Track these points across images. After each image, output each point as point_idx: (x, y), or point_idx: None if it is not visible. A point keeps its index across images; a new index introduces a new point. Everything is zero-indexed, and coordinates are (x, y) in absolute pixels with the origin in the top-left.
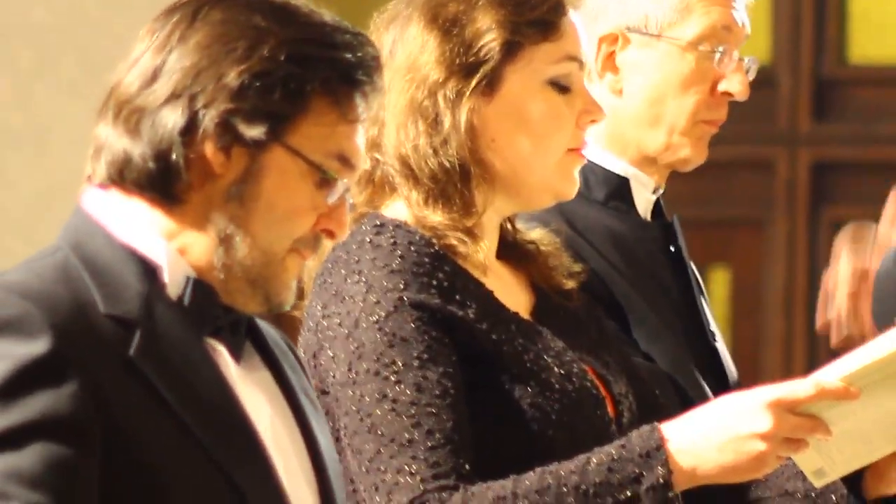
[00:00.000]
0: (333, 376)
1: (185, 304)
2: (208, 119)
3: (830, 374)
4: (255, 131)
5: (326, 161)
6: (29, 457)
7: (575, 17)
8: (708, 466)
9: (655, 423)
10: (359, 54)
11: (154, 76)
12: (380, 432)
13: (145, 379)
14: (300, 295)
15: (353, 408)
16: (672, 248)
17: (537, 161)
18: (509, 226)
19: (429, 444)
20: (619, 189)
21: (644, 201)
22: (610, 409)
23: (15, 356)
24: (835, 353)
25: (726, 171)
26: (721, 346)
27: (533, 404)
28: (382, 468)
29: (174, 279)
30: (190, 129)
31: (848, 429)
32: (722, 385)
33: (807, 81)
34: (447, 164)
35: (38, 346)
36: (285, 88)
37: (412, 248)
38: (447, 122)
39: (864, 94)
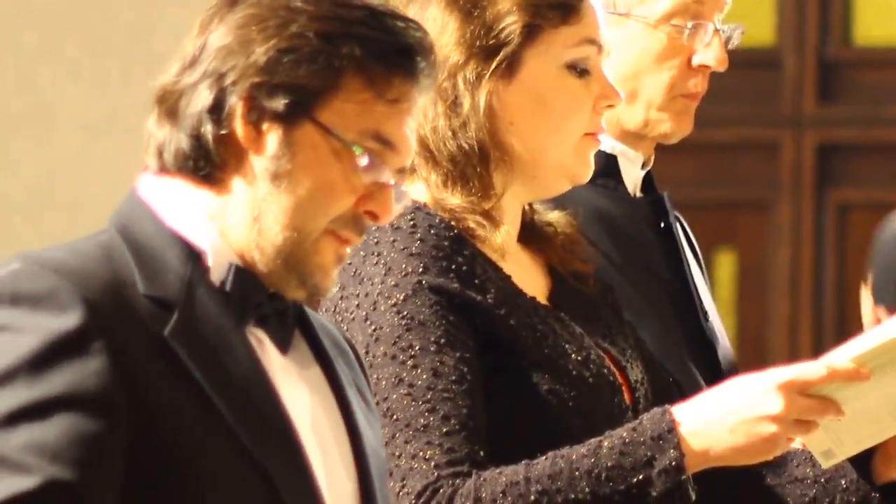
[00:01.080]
0: None
1: (226, 290)
2: (235, 95)
3: (841, 356)
4: (278, 103)
5: (362, 140)
6: (53, 430)
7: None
8: (720, 448)
9: (667, 406)
10: (399, 37)
11: (193, 61)
12: (395, 417)
13: (178, 359)
14: None
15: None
16: (662, 225)
17: (554, 144)
18: (528, 208)
19: (444, 429)
20: (607, 166)
21: (633, 178)
22: (626, 397)
23: (45, 329)
24: (840, 330)
25: (731, 154)
26: (714, 324)
27: (550, 391)
28: (397, 453)
29: (218, 265)
30: (219, 106)
31: (858, 409)
32: (713, 366)
33: (811, 63)
34: (466, 146)
35: (68, 321)
36: (314, 63)
37: (432, 231)
38: (466, 104)
39: (869, 76)
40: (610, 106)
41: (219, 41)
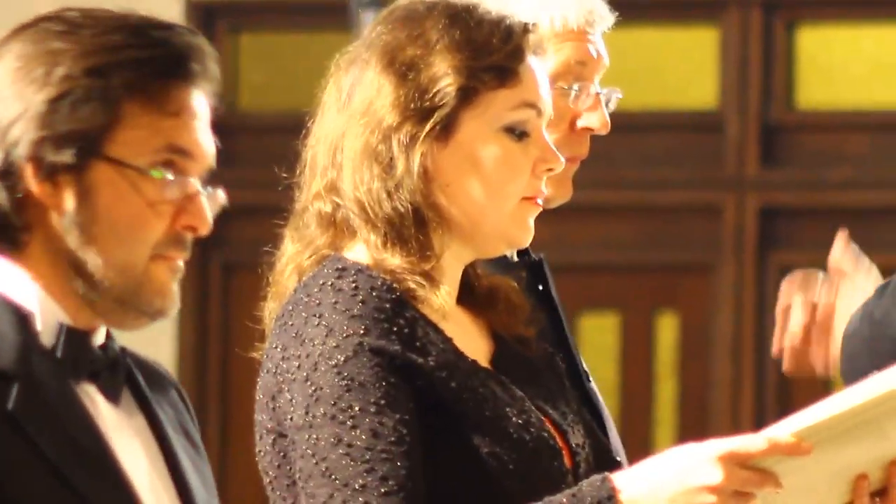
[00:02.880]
0: (291, 419)
1: (58, 353)
2: (21, 156)
3: (783, 429)
4: (66, 154)
5: (157, 159)
6: None
7: (535, 62)
8: None
9: (606, 473)
10: (166, 48)
11: None
12: (334, 477)
13: (26, 434)
14: (260, 337)
15: (309, 451)
16: (540, 287)
17: (491, 208)
18: (471, 272)
19: (382, 490)
20: None
21: None
22: (567, 460)
23: None
24: (782, 394)
25: (674, 216)
26: (594, 386)
27: (490, 454)
28: None
29: (47, 326)
30: (8, 171)
31: (797, 483)
32: (599, 427)
33: (754, 127)
34: (401, 209)
35: None
36: (89, 103)
37: (373, 293)
38: (400, 165)
39: (811, 140)
40: (550, 170)
41: None
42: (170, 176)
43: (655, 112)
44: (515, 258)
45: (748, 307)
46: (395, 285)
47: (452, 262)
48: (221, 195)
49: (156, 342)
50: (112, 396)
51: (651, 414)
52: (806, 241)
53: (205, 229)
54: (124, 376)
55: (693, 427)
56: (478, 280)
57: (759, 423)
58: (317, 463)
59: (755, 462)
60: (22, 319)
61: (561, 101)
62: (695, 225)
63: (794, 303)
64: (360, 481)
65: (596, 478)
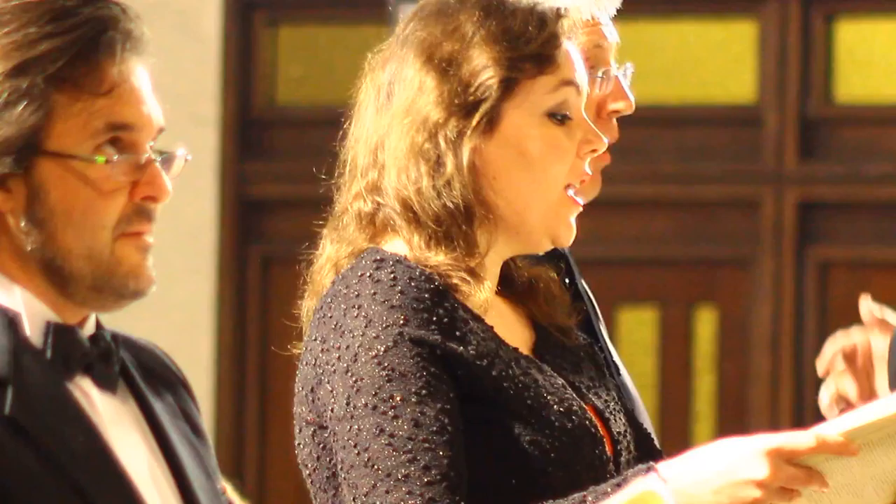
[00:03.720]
0: (332, 410)
1: (48, 352)
2: None
3: (832, 428)
4: (7, 161)
5: (100, 141)
6: None
7: (570, 46)
8: None
9: (651, 463)
10: (85, 28)
11: None
12: (376, 467)
13: (27, 436)
14: (298, 334)
15: (351, 442)
16: (567, 281)
17: (537, 198)
18: (511, 263)
19: (425, 479)
20: None
21: None
22: (608, 448)
23: None
24: (820, 388)
25: (712, 210)
26: (625, 380)
27: (532, 442)
28: (378, 503)
29: (35, 326)
30: None
31: (842, 483)
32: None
33: (793, 121)
34: (451, 206)
35: None
36: (18, 104)
37: (412, 284)
38: (449, 163)
39: (850, 134)
40: (594, 151)
41: None
42: (115, 156)
43: (694, 106)
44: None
45: (787, 301)
46: (434, 276)
47: (494, 258)
48: (181, 153)
49: (194, 336)
50: (107, 387)
51: (689, 408)
52: (844, 234)
53: (164, 196)
54: (118, 366)
55: (731, 421)
56: (518, 271)
57: (797, 417)
58: (359, 453)
59: (802, 459)
60: (9, 322)
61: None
62: (733, 219)
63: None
64: (403, 471)
65: (641, 467)
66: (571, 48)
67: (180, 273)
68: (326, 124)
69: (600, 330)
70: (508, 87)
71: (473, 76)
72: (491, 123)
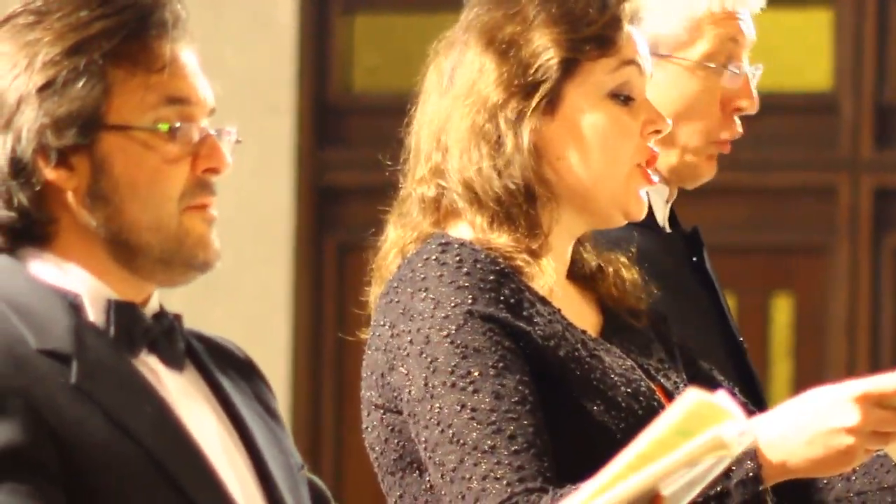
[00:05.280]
0: (409, 393)
1: (111, 330)
2: (27, 150)
3: None
4: (69, 135)
5: (159, 114)
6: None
7: (633, 29)
8: (797, 460)
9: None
10: (133, 8)
11: None
12: (461, 441)
13: (94, 404)
14: (366, 321)
15: (433, 420)
16: (694, 259)
17: (605, 177)
18: (579, 246)
19: (512, 448)
20: None
21: (662, 212)
22: None
23: None
24: None
25: (788, 198)
26: (749, 359)
27: (599, 423)
28: (467, 476)
29: (97, 306)
30: (19, 168)
31: None
32: (757, 402)
33: (868, 107)
34: (511, 186)
35: None
36: (77, 81)
37: (478, 266)
38: (509, 143)
39: None
40: (657, 132)
41: None
42: (176, 123)
43: (769, 94)
44: (668, 230)
45: (863, 288)
46: (499, 259)
47: (563, 236)
48: (232, 132)
49: (270, 324)
50: (174, 364)
51: (766, 395)
52: None
53: (224, 167)
54: (183, 343)
55: None
56: (587, 254)
57: None
58: (442, 431)
59: (891, 401)
60: (69, 304)
61: (713, 80)
62: (809, 206)
63: None
64: (489, 442)
65: None
66: (634, 31)
67: (256, 262)
68: (402, 112)
69: (727, 309)
70: (569, 68)
71: (534, 57)
72: (552, 104)
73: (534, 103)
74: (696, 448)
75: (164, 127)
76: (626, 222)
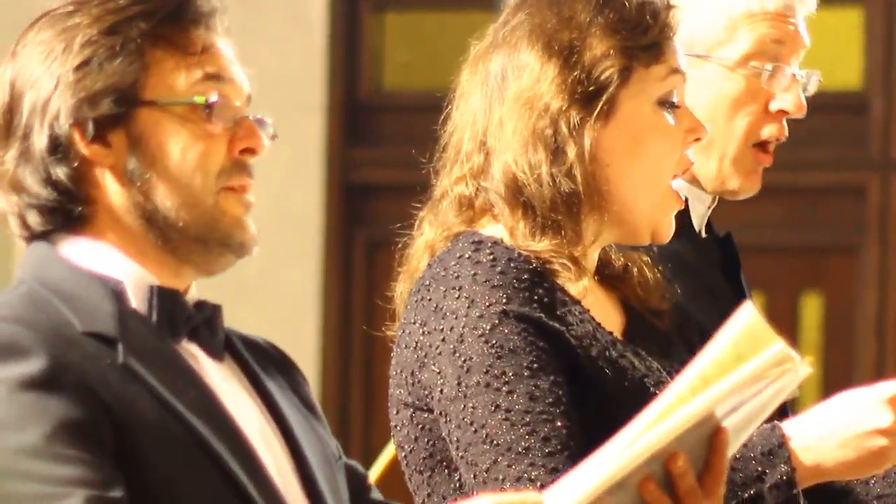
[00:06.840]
0: (441, 392)
1: (153, 317)
2: (64, 127)
3: None
4: (105, 106)
5: (194, 92)
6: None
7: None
8: (830, 463)
9: (775, 422)
10: None
11: (6, 127)
12: (495, 442)
13: (141, 384)
14: (391, 316)
15: (466, 420)
16: (730, 265)
17: (647, 187)
18: (606, 247)
19: (546, 450)
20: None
21: (699, 218)
22: None
23: (11, 378)
24: None
25: (818, 197)
26: None
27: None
28: (501, 477)
29: (139, 293)
30: (56, 145)
31: None
32: (783, 405)
33: None
34: (567, 192)
35: (36, 364)
36: (114, 59)
37: (512, 265)
38: (571, 151)
39: None
40: (697, 139)
41: (21, 91)
42: (214, 97)
43: None
44: (703, 234)
45: (893, 288)
46: (532, 259)
47: (595, 247)
48: (268, 122)
49: (300, 320)
50: (214, 354)
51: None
52: None
53: (261, 148)
54: (223, 334)
55: None
56: (612, 255)
57: None
58: (476, 431)
59: None
60: (114, 290)
61: (754, 81)
62: (839, 206)
63: None
64: (523, 444)
65: (765, 427)
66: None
67: (286, 258)
68: (432, 110)
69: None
70: (625, 76)
71: (595, 64)
72: (609, 112)
73: (595, 111)
74: (762, 363)
75: (200, 99)
76: (650, 243)
